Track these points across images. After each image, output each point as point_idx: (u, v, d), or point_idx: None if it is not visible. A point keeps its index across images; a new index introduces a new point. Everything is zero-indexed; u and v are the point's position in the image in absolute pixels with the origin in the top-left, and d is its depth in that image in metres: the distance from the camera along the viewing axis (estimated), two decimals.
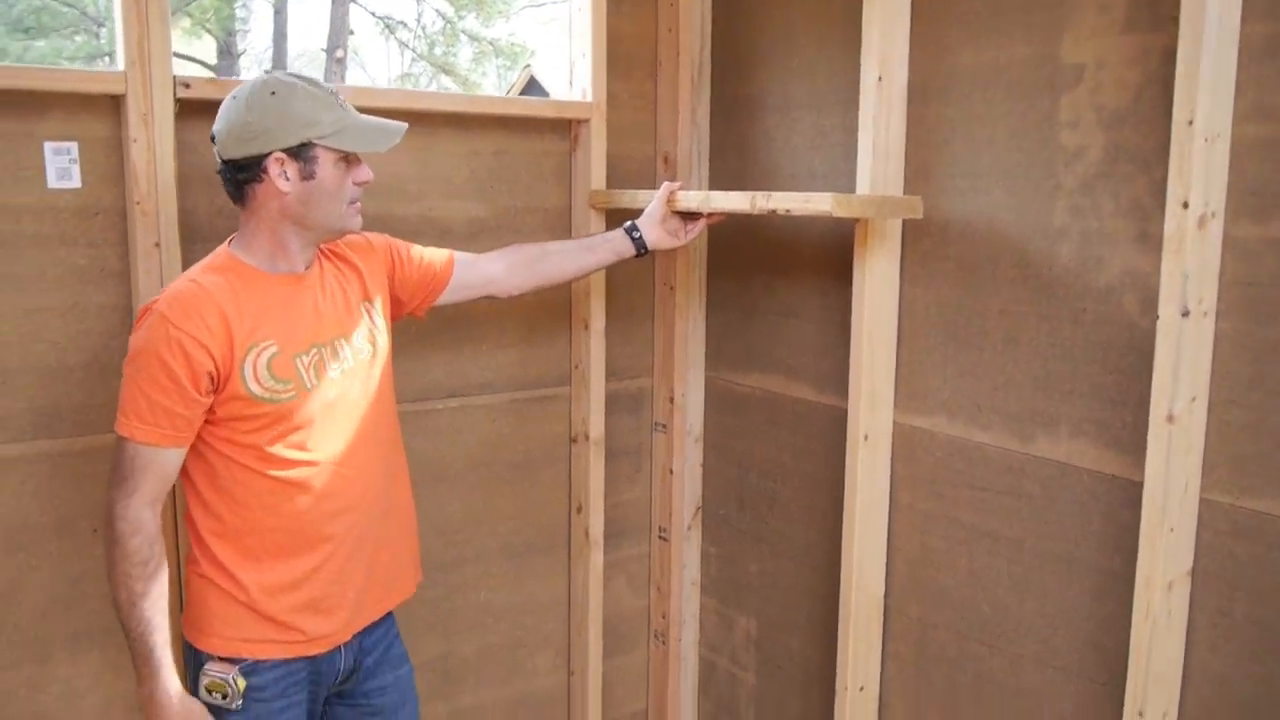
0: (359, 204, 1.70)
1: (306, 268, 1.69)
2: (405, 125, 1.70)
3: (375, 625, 1.80)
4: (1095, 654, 1.81)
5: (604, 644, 2.54)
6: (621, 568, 2.62)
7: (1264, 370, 1.55)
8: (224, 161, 1.62)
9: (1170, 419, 1.58)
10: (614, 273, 2.44)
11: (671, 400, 2.55)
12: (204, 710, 1.62)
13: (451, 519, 2.33)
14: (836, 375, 2.25)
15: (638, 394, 2.58)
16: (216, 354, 1.54)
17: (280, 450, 1.61)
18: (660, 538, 2.63)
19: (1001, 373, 1.92)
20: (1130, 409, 1.72)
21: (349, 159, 1.65)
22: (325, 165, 1.61)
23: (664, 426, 2.58)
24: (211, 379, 1.55)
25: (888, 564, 2.17)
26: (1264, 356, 1.55)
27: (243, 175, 1.61)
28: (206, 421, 1.59)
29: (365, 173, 1.68)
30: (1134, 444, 1.71)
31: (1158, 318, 1.59)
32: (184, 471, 1.65)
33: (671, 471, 2.58)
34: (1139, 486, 1.69)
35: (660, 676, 2.68)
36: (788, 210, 1.92)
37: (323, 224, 1.65)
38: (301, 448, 1.62)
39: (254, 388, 1.57)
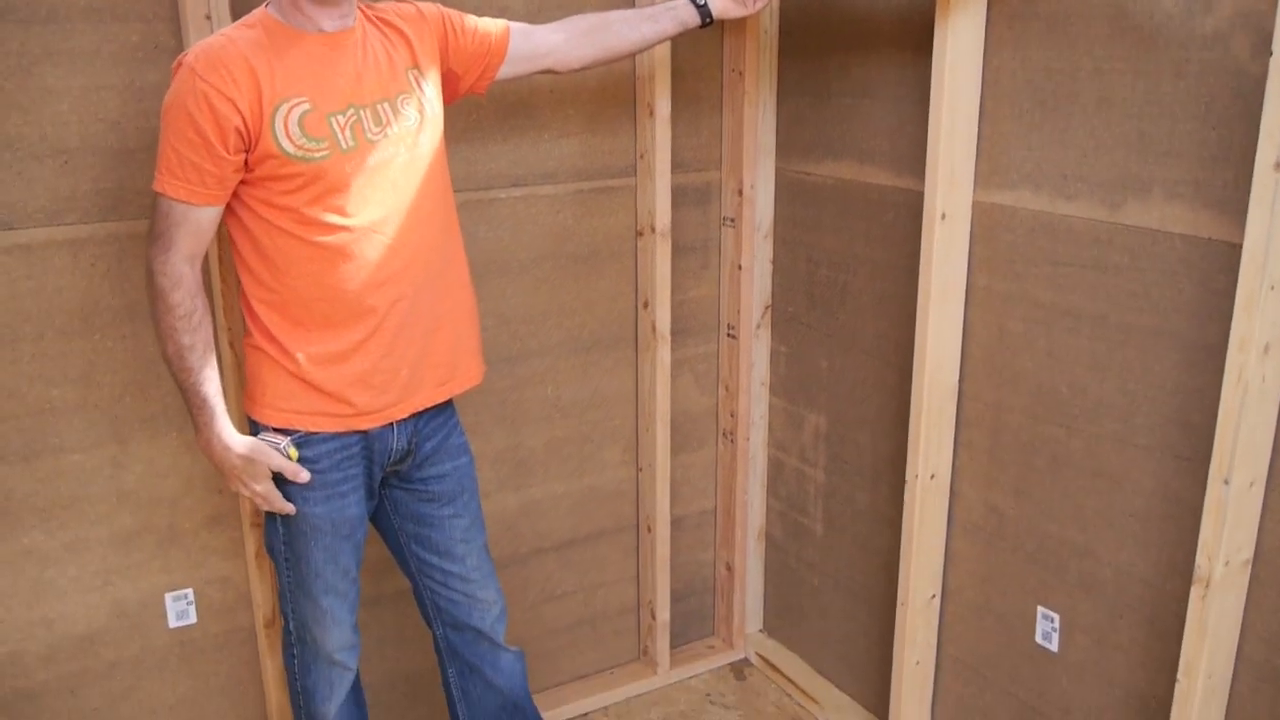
0: None
1: (347, 29, 1.62)
2: None
3: (435, 412, 1.79)
4: (1180, 430, 1.75)
5: (671, 441, 2.54)
6: (689, 366, 2.59)
7: None
8: None
9: (1278, 166, 1.46)
10: (680, 59, 2.33)
11: (740, 193, 2.47)
12: (263, 446, 1.64)
13: (516, 311, 2.31)
14: (913, 156, 2.14)
15: (705, 188, 2.50)
16: (244, 109, 1.51)
17: (318, 213, 1.57)
18: (729, 335, 2.59)
19: (1091, 138, 1.80)
20: (1233, 165, 1.60)
21: None
22: None
23: (732, 221, 2.51)
24: (240, 135, 1.52)
25: (962, 349, 2.11)
26: None
27: None
28: (244, 182, 1.57)
29: None
30: (1235, 203, 1.60)
31: (1271, 54, 1.45)
32: (231, 241, 1.65)
33: (740, 268, 2.51)
34: (1237, 249, 1.59)
35: (729, 475, 2.69)
36: None
37: None
38: (340, 212, 1.59)
39: (286, 145, 1.53)
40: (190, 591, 2.10)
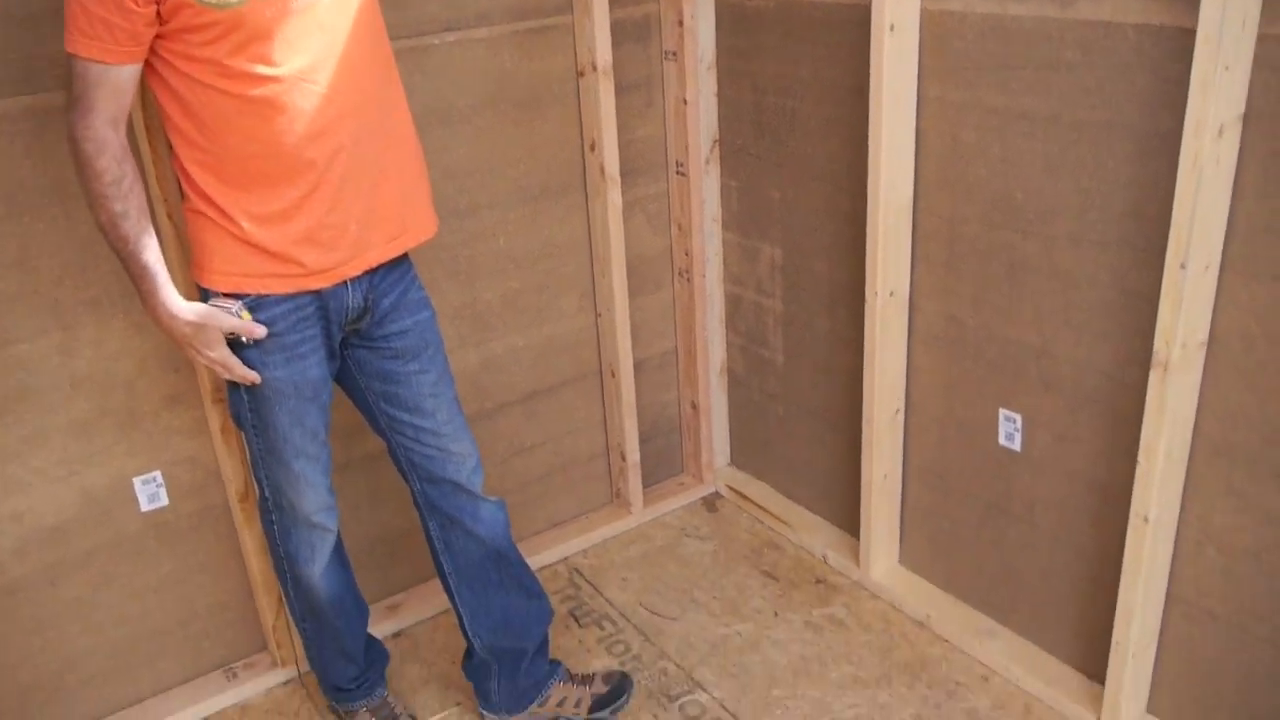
0: None
1: None
2: None
3: (390, 268, 1.74)
4: (1135, 222, 1.78)
5: (628, 285, 2.53)
6: (640, 207, 2.56)
7: None
8: None
9: None
10: None
11: (681, 24, 2.39)
12: (213, 310, 1.59)
13: (460, 163, 2.24)
14: None
15: (644, 21, 2.41)
16: None
17: (242, 64, 1.48)
18: (678, 173, 2.56)
19: None
20: None
21: None
22: None
23: (674, 54, 2.44)
24: None
25: (915, 164, 2.11)
26: None
27: None
28: (160, 36, 1.47)
29: None
30: None
31: None
32: (157, 103, 1.56)
33: (685, 102, 2.46)
34: (1190, 34, 1.58)
35: (687, 314, 2.69)
36: None
37: None
38: (266, 61, 1.50)
39: None
40: (158, 474, 2.07)
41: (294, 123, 1.53)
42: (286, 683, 2.26)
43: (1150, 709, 1.99)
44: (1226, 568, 1.80)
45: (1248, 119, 1.58)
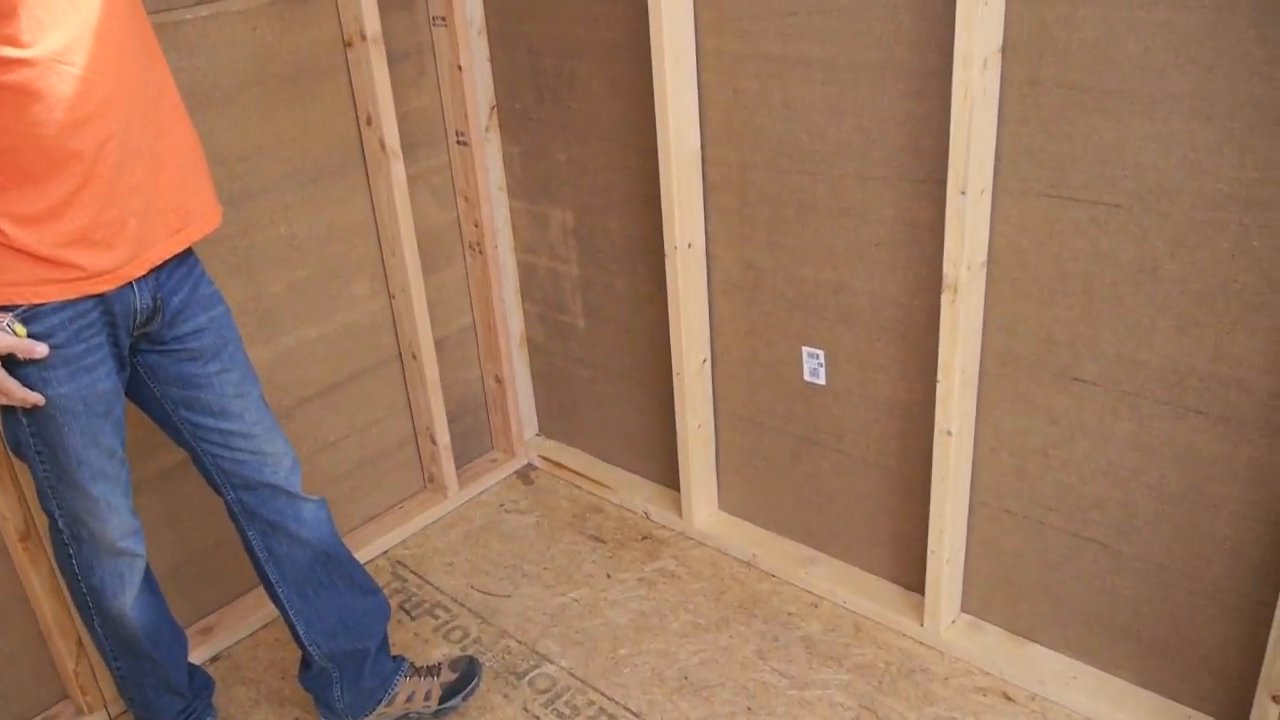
0: None
1: None
2: None
3: (175, 264, 1.60)
4: (913, 156, 1.88)
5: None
6: (423, 181, 2.47)
7: None
8: None
9: None
10: None
11: None
12: None
13: (229, 148, 2.09)
14: None
15: None
16: None
17: None
18: (459, 143, 2.49)
19: None
20: None
21: None
22: None
23: (443, 20, 2.36)
24: None
25: (701, 116, 2.14)
26: None
27: None
28: None
29: None
30: None
31: None
32: None
33: (460, 69, 2.39)
34: None
35: (482, 287, 2.64)
36: None
37: None
38: (13, 43, 1.33)
39: None
40: None
41: (52, 110, 1.36)
42: None
43: (964, 608, 2.15)
44: (1019, 467, 1.96)
45: (1005, 50, 1.70)
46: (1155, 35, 1.55)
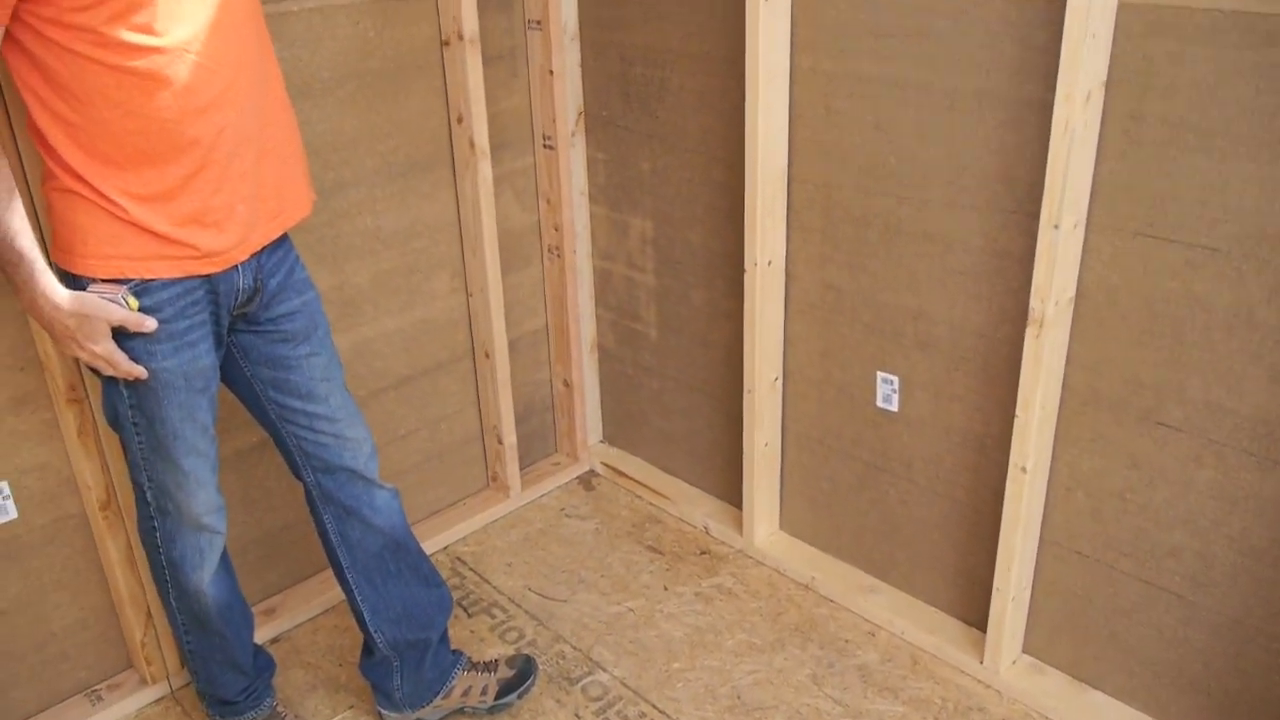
0: None
1: None
2: None
3: (274, 247, 1.65)
4: (1005, 186, 1.85)
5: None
6: (508, 182, 2.50)
7: None
8: None
9: None
10: None
11: None
12: (97, 300, 1.45)
13: (324, 138, 2.13)
14: None
15: None
16: None
17: (121, 34, 1.36)
18: (545, 146, 2.51)
19: None
20: None
21: None
22: None
23: (538, 24, 2.38)
24: None
25: (790, 134, 2.14)
26: None
27: None
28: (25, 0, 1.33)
29: None
30: None
31: None
32: (18, 73, 1.40)
33: (551, 73, 2.41)
34: (1055, 3, 1.66)
35: (558, 290, 2.66)
36: None
37: None
38: (147, 31, 1.38)
39: None
40: (5, 485, 1.88)
41: (177, 97, 1.41)
42: (158, 701, 2.11)
43: (1026, 649, 2.11)
44: (1094, 509, 1.92)
45: (1109, 84, 1.67)
46: (1266, 77, 1.51)
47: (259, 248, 1.59)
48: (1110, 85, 1.67)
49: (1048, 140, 1.71)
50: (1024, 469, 1.90)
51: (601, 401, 2.87)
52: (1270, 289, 1.59)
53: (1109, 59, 1.66)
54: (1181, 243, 1.67)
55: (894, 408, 2.17)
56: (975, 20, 1.80)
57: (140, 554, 1.99)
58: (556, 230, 2.58)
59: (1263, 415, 1.66)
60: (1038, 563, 2.03)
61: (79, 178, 1.42)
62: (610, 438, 2.90)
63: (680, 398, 2.64)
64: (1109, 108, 1.69)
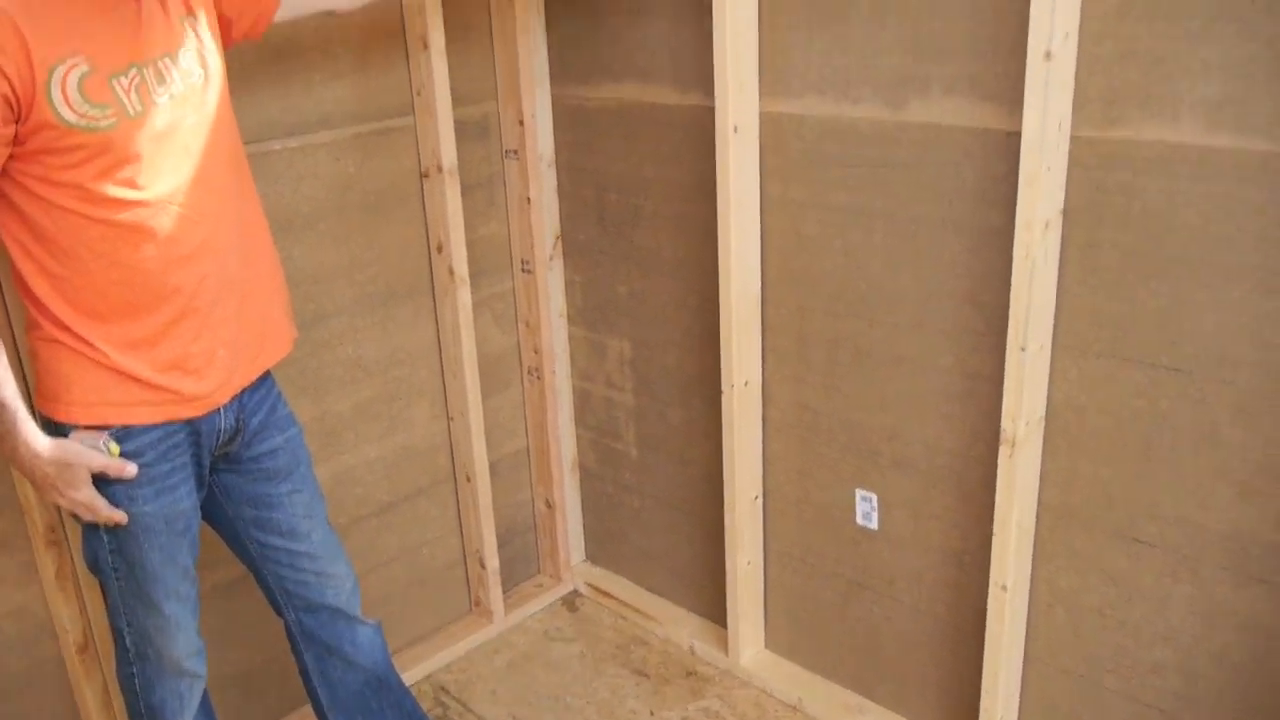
0: None
1: None
2: None
3: (255, 385, 1.67)
4: (972, 309, 1.90)
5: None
6: (487, 306, 2.54)
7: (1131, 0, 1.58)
8: None
9: (1048, 56, 1.60)
10: None
11: (521, 123, 2.42)
12: (77, 447, 1.46)
13: (305, 271, 2.17)
14: (696, 72, 2.18)
15: (483, 120, 2.43)
16: (12, 74, 1.31)
17: (107, 189, 1.40)
18: (524, 271, 2.56)
19: (871, 41, 1.89)
20: (1003, 58, 1.74)
21: None
22: None
23: (515, 153, 2.46)
24: (10, 105, 1.32)
25: (762, 259, 2.19)
26: None
27: None
28: (14, 158, 1.37)
29: None
30: (1008, 94, 1.74)
31: None
32: (3, 225, 1.44)
33: (529, 200, 2.48)
34: (1013, 137, 1.74)
35: (538, 412, 2.68)
36: None
37: None
38: (131, 185, 1.42)
39: (65, 113, 1.35)
40: None
41: (161, 247, 1.45)
42: None
43: None
44: (1075, 626, 1.92)
45: (1066, 213, 1.74)
46: (1216, 207, 1.57)
47: (240, 389, 1.60)
48: (1068, 214, 1.73)
49: (1011, 265, 1.77)
50: (1004, 587, 1.91)
51: (584, 521, 2.87)
52: (1234, 408, 1.63)
53: (1065, 189, 1.72)
54: (1144, 363, 1.71)
55: (874, 525, 2.18)
56: (937, 151, 1.87)
57: (119, 700, 1.95)
58: (536, 352, 2.61)
59: (1233, 531, 1.68)
60: (1024, 680, 2.02)
61: (64, 327, 1.45)
62: (593, 556, 2.89)
63: (661, 516, 2.64)
64: (1068, 235, 1.75)
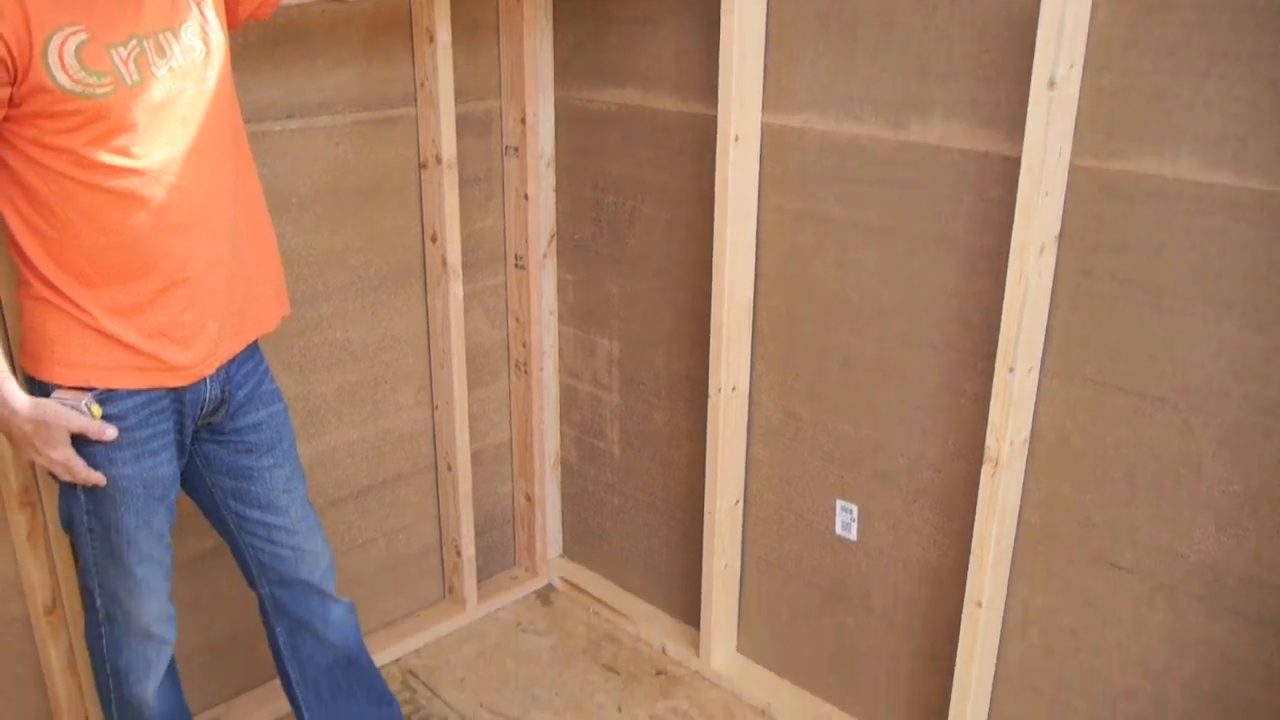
0: None
1: None
2: None
3: (244, 357, 1.68)
4: (962, 328, 1.92)
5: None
6: (478, 299, 2.54)
7: (1138, 34, 1.60)
8: None
9: (1052, 84, 1.62)
10: None
11: (523, 121, 2.42)
12: (57, 406, 1.45)
13: (298, 252, 2.16)
14: (700, 82, 2.18)
15: (485, 116, 2.43)
16: (9, 36, 1.32)
17: (100, 156, 1.41)
18: (517, 266, 2.56)
19: (875, 62, 1.91)
20: (1006, 85, 1.75)
21: None
22: None
23: (516, 150, 2.46)
24: (5, 67, 1.33)
25: (756, 266, 2.21)
26: (1139, 19, 1.60)
27: None
28: (9, 119, 1.38)
29: None
30: (1009, 119, 1.76)
31: None
32: None
33: (526, 197, 2.48)
34: (1012, 161, 1.76)
35: (523, 406, 2.68)
36: None
37: None
38: (125, 153, 1.43)
39: (61, 79, 1.35)
40: None
41: (153, 216, 1.45)
42: None
43: None
44: (1048, 647, 1.94)
45: (1061, 239, 1.75)
46: (1210, 242, 1.59)
47: (225, 360, 1.61)
48: (1063, 239, 1.75)
49: (1004, 287, 1.78)
50: (979, 604, 1.93)
51: (563, 516, 2.87)
52: (1218, 440, 1.66)
53: (1061, 215, 1.74)
54: (1131, 392, 1.73)
55: (853, 536, 2.20)
56: (935, 172, 1.88)
57: (83, 661, 1.95)
58: (524, 347, 2.61)
59: (1210, 562, 1.70)
60: (993, 698, 2.04)
61: (53, 287, 1.45)
62: (570, 552, 2.89)
63: (640, 516, 2.65)
64: (1062, 260, 1.77)
